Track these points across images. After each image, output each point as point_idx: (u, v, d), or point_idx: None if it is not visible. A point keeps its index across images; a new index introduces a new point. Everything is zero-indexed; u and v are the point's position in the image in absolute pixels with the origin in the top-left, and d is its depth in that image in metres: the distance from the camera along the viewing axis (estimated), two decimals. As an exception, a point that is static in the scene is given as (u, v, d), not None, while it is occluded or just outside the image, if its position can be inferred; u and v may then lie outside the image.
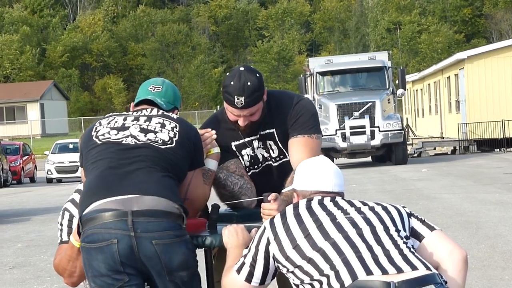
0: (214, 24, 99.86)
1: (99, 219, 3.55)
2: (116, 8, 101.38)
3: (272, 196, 3.79)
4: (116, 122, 3.87)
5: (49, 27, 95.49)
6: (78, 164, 32.99)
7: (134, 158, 3.69)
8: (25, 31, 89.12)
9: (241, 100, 4.02)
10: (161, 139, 3.77)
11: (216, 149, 4.11)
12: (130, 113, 3.95)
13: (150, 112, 3.92)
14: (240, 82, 4.01)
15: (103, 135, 3.82)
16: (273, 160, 4.29)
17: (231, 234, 3.67)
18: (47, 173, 33.61)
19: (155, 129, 3.80)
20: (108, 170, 3.68)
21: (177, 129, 3.82)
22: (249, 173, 4.30)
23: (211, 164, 4.08)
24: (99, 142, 3.79)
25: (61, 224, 4.10)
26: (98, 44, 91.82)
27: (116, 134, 3.79)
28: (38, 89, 73.45)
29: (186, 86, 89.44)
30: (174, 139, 3.78)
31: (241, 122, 4.12)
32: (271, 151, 4.28)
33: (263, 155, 4.29)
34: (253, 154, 4.28)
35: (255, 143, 4.26)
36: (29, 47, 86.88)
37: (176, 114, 4.08)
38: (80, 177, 4.51)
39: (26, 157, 35.35)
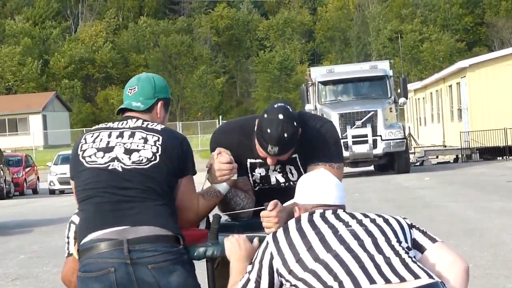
0: (216, 34, 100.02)
1: (95, 249, 3.57)
2: (118, 20, 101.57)
3: (271, 204, 3.77)
4: (101, 140, 3.80)
5: (50, 39, 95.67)
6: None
7: (126, 191, 3.66)
8: (26, 43, 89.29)
9: (274, 150, 3.91)
10: (145, 157, 3.71)
11: (234, 176, 4.04)
12: (116, 125, 3.87)
13: (135, 122, 3.84)
14: (277, 133, 3.84)
15: (89, 156, 3.76)
16: (291, 183, 4.18)
17: (233, 246, 3.64)
18: (50, 184, 33.60)
19: (138, 146, 3.74)
20: (103, 202, 3.66)
21: (159, 142, 3.75)
22: (257, 189, 4.24)
23: (222, 187, 4.01)
24: (87, 166, 3.74)
25: (68, 237, 4.15)
26: (101, 55, 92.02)
27: (102, 157, 3.73)
28: (41, 100, 73.58)
29: (189, 97, 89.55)
30: (157, 154, 3.72)
31: (269, 162, 4.03)
32: (290, 175, 4.17)
33: (277, 179, 4.19)
34: (265, 175, 4.20)
35: (272, 166, 4.15)
36: (31, 59, 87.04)
37: (166, 105, 3.96)
38: None
39: (28, 169, 35.36)
